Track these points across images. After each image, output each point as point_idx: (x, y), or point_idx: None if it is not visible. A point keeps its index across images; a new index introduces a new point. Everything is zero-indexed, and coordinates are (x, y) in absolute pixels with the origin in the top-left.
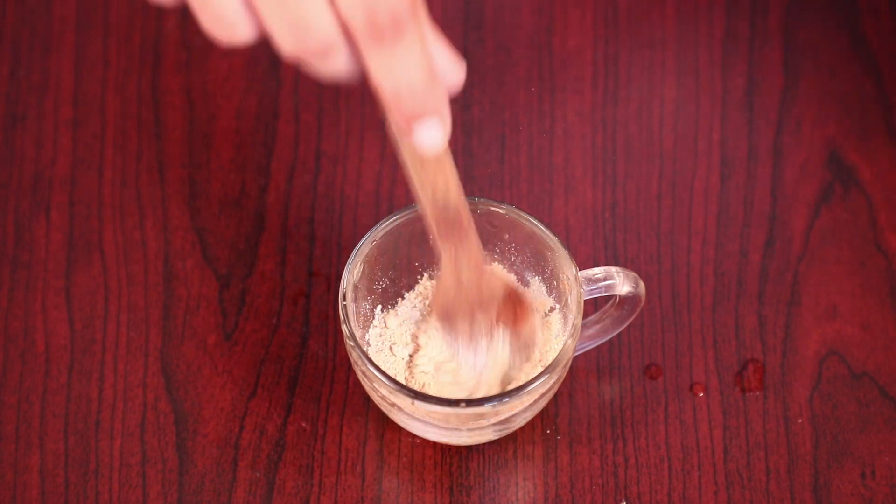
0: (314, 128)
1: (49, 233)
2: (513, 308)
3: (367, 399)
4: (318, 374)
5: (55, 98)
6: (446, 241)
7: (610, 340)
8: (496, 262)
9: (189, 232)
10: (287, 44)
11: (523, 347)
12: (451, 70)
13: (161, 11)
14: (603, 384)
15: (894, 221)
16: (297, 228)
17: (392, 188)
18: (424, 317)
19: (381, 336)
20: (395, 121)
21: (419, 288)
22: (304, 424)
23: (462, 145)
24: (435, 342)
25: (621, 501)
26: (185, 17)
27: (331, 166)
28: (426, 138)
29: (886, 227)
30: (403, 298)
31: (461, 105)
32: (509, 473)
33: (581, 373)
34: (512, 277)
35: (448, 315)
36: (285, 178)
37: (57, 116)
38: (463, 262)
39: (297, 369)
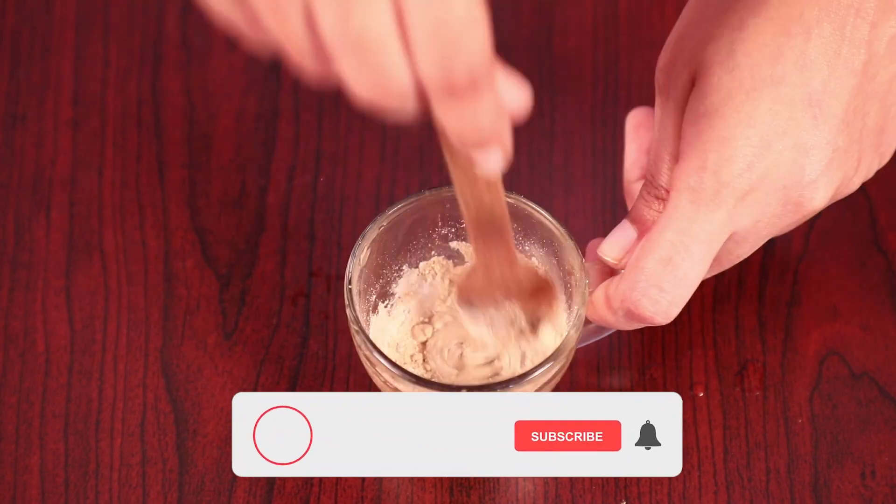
0: (314, 128)
1: (49, 233)
2: (538, 299)
3: None
4: (318, 374)
5: (55, 98)
6: (482, 245)
7: (610, 340)
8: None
9: (189, 232)
10: (364, 91)
11: (536, 322)
12: (516, 99)
13: (161, 11)
14: (603, 384)
15: (894, 221)
16: (297, 228)
17: (392, 188)
18: (440, 300)
19: (385, 320)
20: (455, 148)
21: (424, 269)
22: None
23: None
24: (450, 327)
25: (621, 501)
26: (185, 17)
27: (331, 166)
28: (486, 165)
29: (886, 227)
30: (408, 284)
31: None
32: None
33: (581, 373)
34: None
35: (471, 302)
36: (285, 178)
37: (57, 116)
38: (495, 261)
39: (297, 369)
